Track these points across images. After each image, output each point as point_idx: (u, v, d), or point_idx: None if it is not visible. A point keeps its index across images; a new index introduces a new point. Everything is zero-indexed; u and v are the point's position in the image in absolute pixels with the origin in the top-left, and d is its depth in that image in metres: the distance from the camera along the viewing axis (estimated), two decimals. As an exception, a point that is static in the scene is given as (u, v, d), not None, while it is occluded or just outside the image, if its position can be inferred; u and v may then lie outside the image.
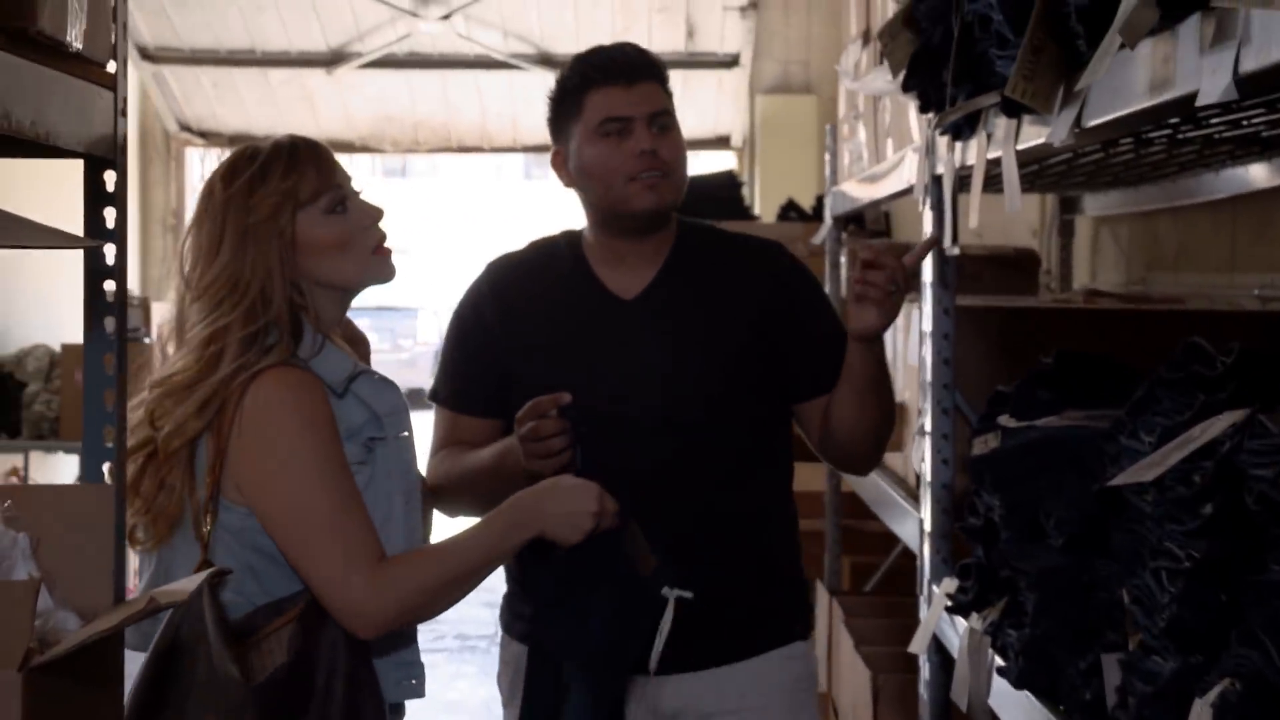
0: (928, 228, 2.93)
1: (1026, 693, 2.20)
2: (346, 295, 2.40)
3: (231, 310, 2.26)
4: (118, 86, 1.96)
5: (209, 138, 11.32)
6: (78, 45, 1.79)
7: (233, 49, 10.84)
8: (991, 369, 3.09)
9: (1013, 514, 2.32)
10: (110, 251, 1.98)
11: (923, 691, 3.02)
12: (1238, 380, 1.78)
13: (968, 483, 2.93)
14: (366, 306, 17.98)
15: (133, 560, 2.83)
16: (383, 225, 2.39)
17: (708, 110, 11.00)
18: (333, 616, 2.19)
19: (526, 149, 11.79)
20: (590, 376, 2.62)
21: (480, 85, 11.10)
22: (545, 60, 10.51)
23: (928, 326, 2.94)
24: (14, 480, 7.41)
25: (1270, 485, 1.55)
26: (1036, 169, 3.41)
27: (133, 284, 9.81)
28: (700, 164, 10.34)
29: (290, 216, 2.30)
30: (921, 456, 2.99)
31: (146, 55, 10.77)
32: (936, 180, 2.88)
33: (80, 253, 1.96)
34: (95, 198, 1.98)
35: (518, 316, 2.71)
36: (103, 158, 1.95)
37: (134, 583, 3.15)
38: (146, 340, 7.43)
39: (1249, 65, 1.36)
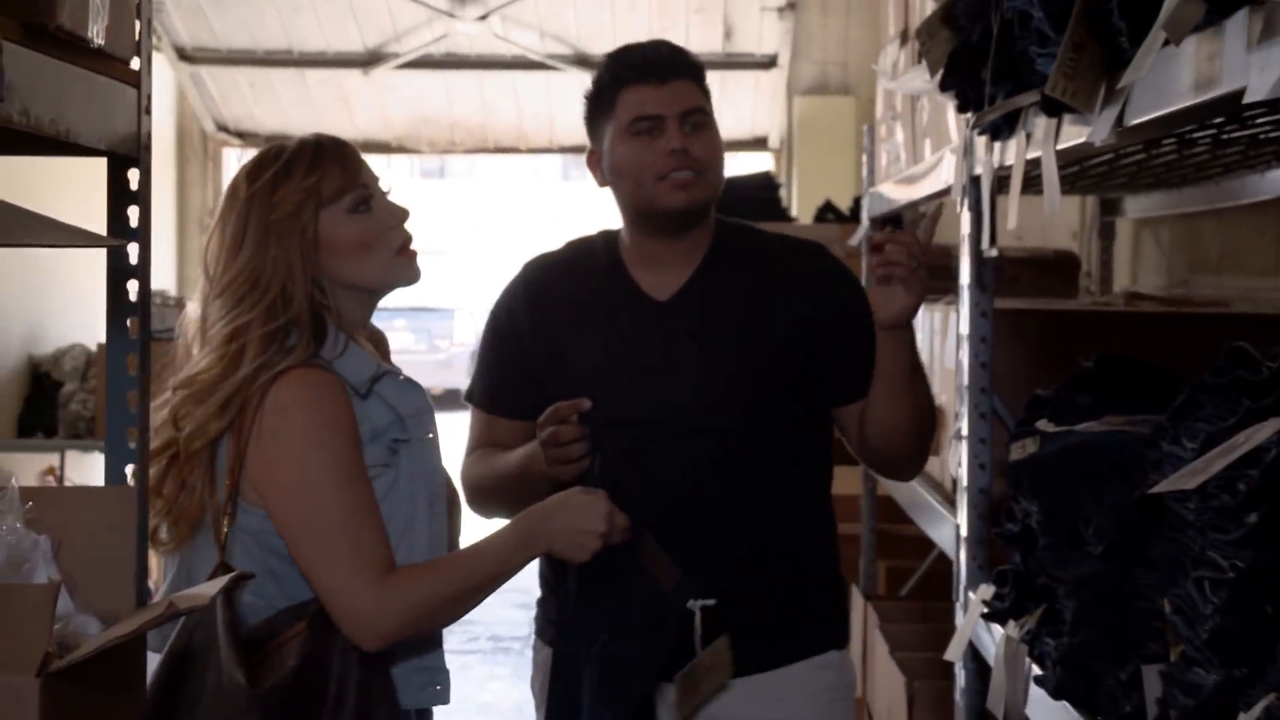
0: (966, 229, 2.89)
1: (1064, 703, 2.15)
2: (372, 296, 2.37)
3: (252, 308, 2.24)
4: (141, 83, 1.94)
5: (246, 138, 11.33)
6: (99, 41, 1.77)
7: (270, 49, 10.84)
8: (1029, 373, 3.05)
9: (1051, 520, 2.27)
10: (133, 251, 1.95)
11: (958, 699, 2.97)
12: (1284, 385, 1.73)
13: (1005, 488, 2.89)
14: (403, 307, 18.02)
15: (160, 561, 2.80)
16: (410, 226, 2.36)
17: (745, 111, 10.96)
18: (337, 625, 2.17)
19: (563, 150, 11.76)
20: (622, 379, 2.59)
21: (517, 86, 11.09)
22: (582, 61, 10.48)
23: (965, 329, 2.90)
24: (50, 479, 7.42)
25: (1318, 494, 1.51)
26: (1077, 170, 3.36)
27: (168, 284, 9.84)
28: (737, 165, 10.30)
29: (313, 214, 2.28)
30: (958, 461, 2.95)
31: (184, 56, 10.79)
32: (975, 181, 2.84)
33: (119, 252, 1.95)
34: (119, 196, 1.96)
35: (550, 318, 2.68)
36: (126, 156, 1.93)
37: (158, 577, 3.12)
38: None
39: (1299, 61, 1.31)
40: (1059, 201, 2.18)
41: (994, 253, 2.72)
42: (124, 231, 1.96)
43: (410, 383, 2.32)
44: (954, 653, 2.80)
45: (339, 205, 2.29)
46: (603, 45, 10.41)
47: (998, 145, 2.59)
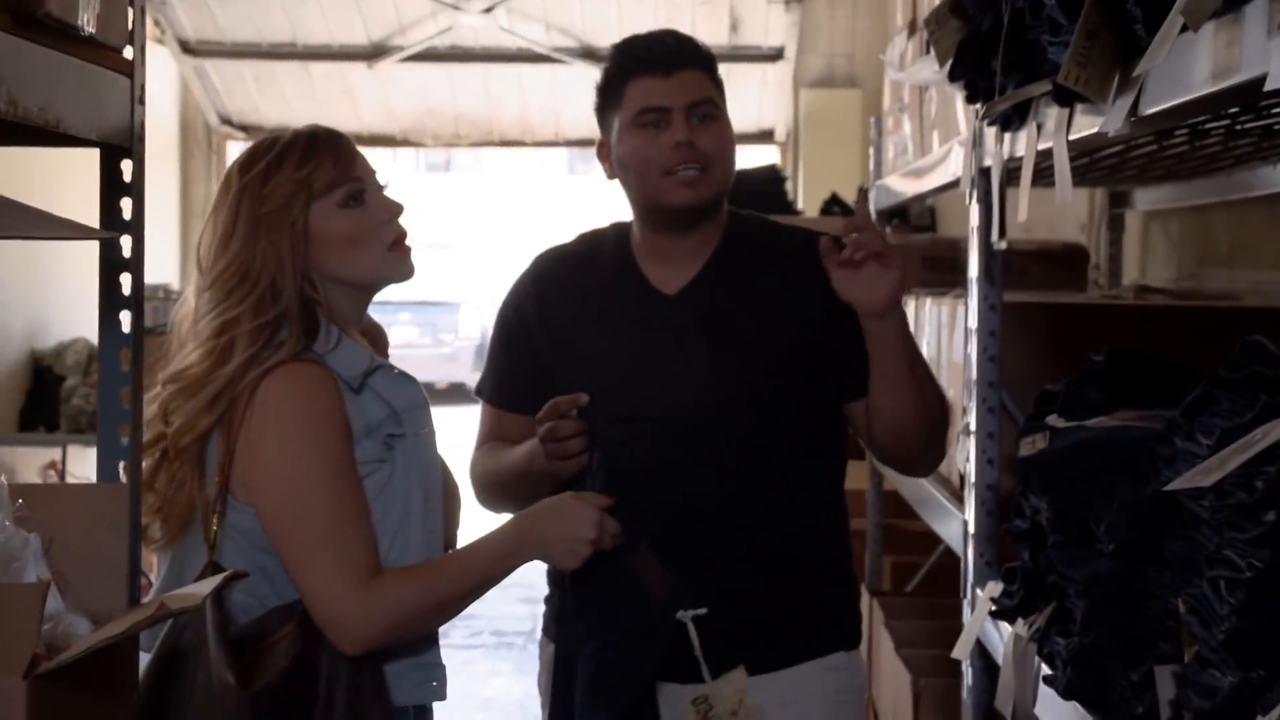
0: (975, 221, 2.85)
1: (1075, 704, 2.11)
2: (363, 292, 2.33)
3: (241, 301, 2.20)
4: (134, 73, 1.90)
5: (250, 131, 11.30)
6: (90, 29, 1.73)
7: (274, 42, 10.81)
8: (1038, 367, 3.01)
9: (1061, 517, 2.23)
10: (126, 244, 1.92)
11: (965, 697, 2.93)
12: (1301, 381, 1.70)
13: (1014, 484, 2.85)
14: (408, 301, 17.98)
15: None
16: (405, 221, 2.32)
17: (751, 104, 10.91)
18: (320, 628, 2.14)
19: (569, 143, 11.73)
20: (628, 374, 2.55)
21: (522, 79, 11.05)
22: (588, 54, 10.44)
23: (973, 323, 2.86)
24: (52, 474, 7.40)
25: (1338, 493, 1.47)
26: (1087, 162, 3.32)
27: (172, 278, 9.79)
28: (743, 158, 10.26)
29: (303, 207, 2.24)
30: (966, 456, 2.91)
31: (188, 49, 10.76)
32: (984, 173, 2.79)
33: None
34: (111, 188, 1.93)
35: (558, 312, 2.64)
36: (119, 146, 1.89)
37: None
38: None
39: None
40: (1070, 192, 2.14)
41: (1004, 245, 2.68)
42: (117, 224, 1.92)
43: (404, 376, 2.29)
44: (961, 651, 2.76)
45: (330, 199, 2.26)
46: (608, 38, 10.33)
47: (1008, 136, 2.55)
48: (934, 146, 3.65)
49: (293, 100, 11.23)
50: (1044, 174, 2.66)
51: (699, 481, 2.53)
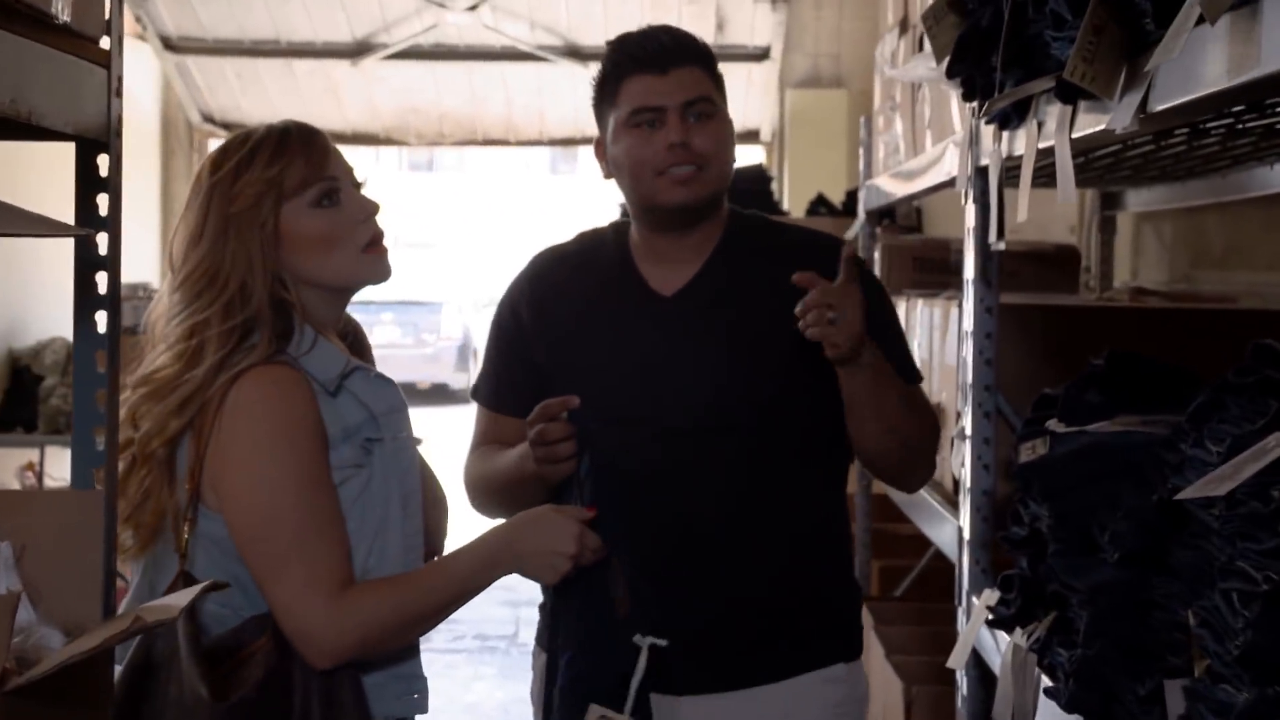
0: (971, 222, 2.80)
1: (1078, 717, 2.06)
2: (338, 294, 2.26)
3: (210, 304, 2.14)
4: (112, 64, 1.84)
5: (232, 129, 11.20)
6: (65, 17, 1.67)
7: (257, 39, 10.75)
8: (1033, 370, 2.96)
9: (1062, 525, 2.18)
10: (103, 241, 1.85)
11: (960, 707, 2.88)
12: (1316, 386, 1.64)
13: (1010, 490, 2.80)
14: (390, 301, 17.91)
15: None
16: (382, 221, 2.25)
17: (737, 104, 10.82)
18: (289, 641, 2.08)
19: (553, 142, 11.67)
20: (624, 377, 2.50)
21: (506, 77, 10.99)
22: (573, 52, 10.38)
23: (969, 325, 2.80)
24: (30, 475, 7.33)
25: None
26: (1082, 162, 3.27)
27: (152, 277, 9.71)
28: (729, 158, 10.21)
29: (273, 207, 2.17)
30: (961, 461, 2.86)
31: (169, 45, 10.69)
32: (981, 172, 2.74)
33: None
34: (87, 183, 1.86)
35: (554, 313, 2.58)
36: (95, 140, 1.83)
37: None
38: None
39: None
40: (1073, 192, 2.09)
41: (1002, 246, 2.62)
42: (93, 221, 1.85)
43: (382, 379, 2.22)
44: (957, 660, 2.70)
45: (303, 198, 2.19)
46: (594, 36, 10.33)
47: (1006, 135, 2.50)
48: (927, 146, 3.60)
49: (276, 98, 11.16)
50: (1038, 174, 2.62)
51: (696, 487, 2.48)
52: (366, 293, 2.33)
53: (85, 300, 1.85)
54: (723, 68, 2.61)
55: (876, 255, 4.96)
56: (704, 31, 10.14)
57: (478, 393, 2.68)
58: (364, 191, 2.26)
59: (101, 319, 1.85)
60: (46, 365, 7.40)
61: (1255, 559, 1.57)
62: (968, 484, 2.82)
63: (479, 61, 10.87)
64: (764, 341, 2.49)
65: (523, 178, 28.88)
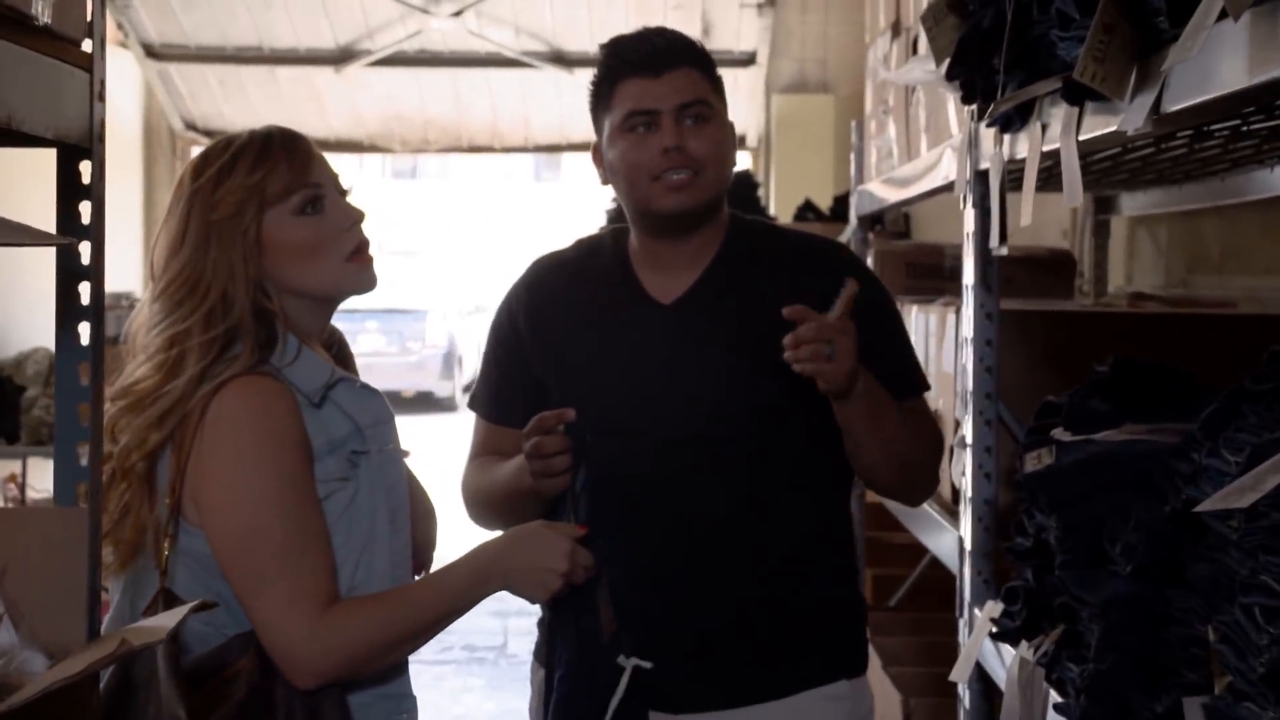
0: (970, 226, 2.75)
1: (1088, 733, 2.01)
2: (324, 303, 2.20)
3: (191, 313, 2.08)
4: (94, 68, 1.78)
5: (215, 137, 11.09)
6: (46, 19, 1.61)
7: (240, 46, 10.70)
8: (1033, 377, 2.92)
9: (1070, 536, 2.13)
10: (85, 250, 1.79)
11: (962, 721, 2.83)
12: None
13: (1012, 499, 2.75)
14: (374, 309, 17.83)
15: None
16: (368, 229, 2.19)
17: (722, 109, 10.82)
18: (271, 660, 2.02)
19: (538, 148, 11.63)
20: (622, 387, 2.44)
21: (491, 84, 10.95)
22: (558, 58, 10.34)
23: (969, 332, 2.75)
24: (12, 486, 7.25)
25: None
26: (1083, 163, 3.22)
27: (135, 286, 9.65)
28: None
29: (255, 215, 2.11)
30: (961, 470, 2.81)
31: (152, 53, 10.64)
32: (980, 176, 2.69)
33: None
34: (69, 191, 1.80)
35: (551, 321, 2.53)
36: (77, 146, 1.77)
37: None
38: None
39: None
40: (1080, 195, 2.04)
41: (1004, 251, 2.57)
42: (75, 229, 1.80)
43: (368, 390, 2.17)
44: (960, 673, 2.65)
45: (286, 205, 2.13)
46: (579, 42, 10.29)
47: (1007, 138, 2.45)
48: (922, 150, 3.55)
49: (258, 105, 11.10)
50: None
51: (695, 499, 2.42)
52: (350, 300, 2.27)
53: (68, 311, 1.80)
54: (709, 73, 2.54)
55: (870, 261, 4.92)
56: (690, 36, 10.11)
57: (475, 402, 2.63)
58: (349, 199, 2.21)
59: (84, 330, 1.80)
60: (28, 376, 7.32)
61: (1278, 573, 1.52)
62: (969, 493, 2.77)
63: (463, 68, 10.84)
64: (765, 351, 2.42)
65: (506, 185, 28.83)
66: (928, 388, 2.59)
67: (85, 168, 1.80)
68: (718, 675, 2.41)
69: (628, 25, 9.37)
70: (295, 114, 10.93)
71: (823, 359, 2.27)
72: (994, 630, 2.46)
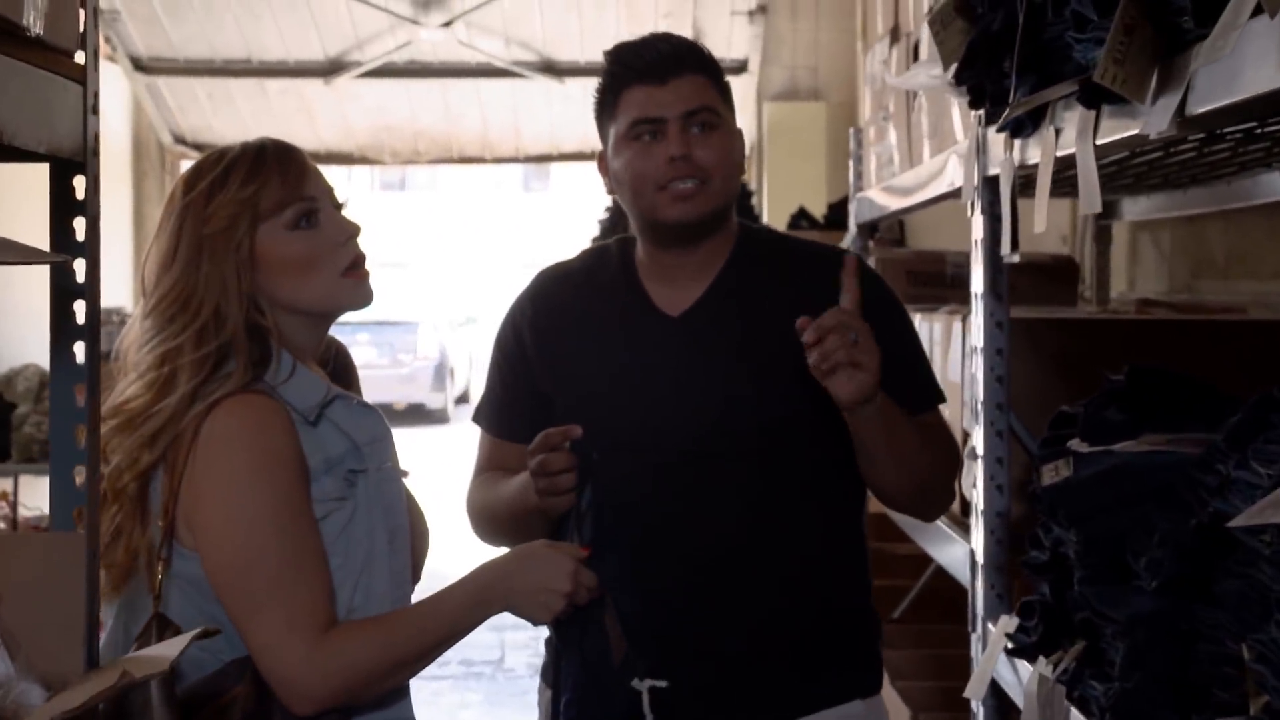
0: (979, 233, 2.70)
1: (1113, 753, 1.96)
2: (319, 319, 2.15)
3: (182, 330, 2.03)
4: (88, 79, 1.73)
5: (204, 150, 11.05)
6: (38, 30, 1.56)
7: (229, 59, 10.65)
8: (1043, 386, 2.87)
9: (1091, 551, 2.08)
10: (80, 268, 1.74)
11: (975, 737, 2.78)
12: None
13: (1024, 511, 2.71)
14: (365, 321, 17.78)
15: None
16: (363, 243, 2.14)
17: (714, 118, 10.78)
18: (270, 686, 1.97)
19: (529, 159, 11.58)
20: (629, 401, 2.39)
21: (482, 94, 10.90)
22: (548, 68, 10.30)
23: (979, 341, 2.71)
24: (3, 504, 7.19)
25: None
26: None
27: (125, 301, 9.59)
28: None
29: (248, 229, 2.06)
30: (972, 481, 2.76)
31: (140, 66, 10.58)
32: (989, 182, 2.65)
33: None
34: (63, 206, 1.75)
35: (556, 334, 2.47)
36: (71, 160, 1.72)
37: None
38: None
39: None
40: (1099, 200, 2.00)
41: (1015, 258, 2.52)
42: (69, 246, 1.75)
43: (365, 407, 2.12)
44: (974, 690, 2.61)
45: (279, 219, 2.08)
46: (570, 52, 10.26)
47: (1017, 143, 2.41)
48: (925, 157, 3.50)
49: (248, 118, 11.05)
50: (1031, 185, 2.53)
51: (704, 516, 2.36)
52: (342, 313, 2.22)
53: (62, 330, 1.75)
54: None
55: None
56: (681, 45, 10.07)
57: (479, 417, 2.57)
58: (345, 212, 2.16)
59: (80, 350, 1.74)
60: (19, 393, 7.27)
61: (1317, 589, 1.48)
62: (980, 506, 2.72)
63: (454, 78, 10.79)
64: (776, 363, 2.37)
65: (495, 196, 28.78)
66: (943, 400, 2.54)
67: (79, 182, 1.75)
68: (729, 697, 2.36)
69: (618, 34, 9.37)
70: (285, 126, 10.87)
71: (849, 346, 2.20)
72: (1009, 646, 2.42)
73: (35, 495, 7.43)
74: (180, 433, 2.00)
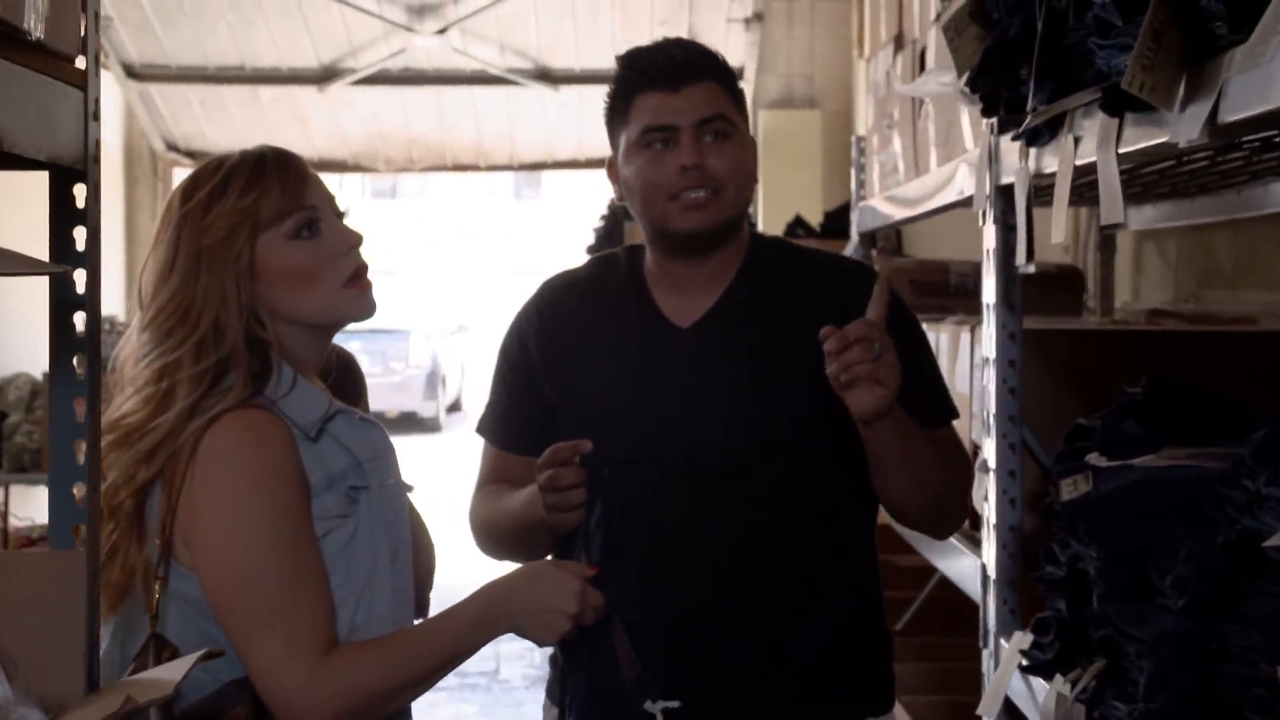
0: (991, 243, 2.66)
1: (1137, 774, 1.92)
2: (320, 331, 2.11)
3: (181, 344, 1.99)
4: (89, 86, 1.68)
5: (197, 157, 11.06)
6: (38, 34, 1.51)
7: (222, 66, 10.61)
8: (1054, 398, 2.83)
9: (1113, 568, 2.04)
10: (80, 278, 1.69)
11: (989, 756, 2.73)
12: None
13: (1035, 525, 2.66)
14: (357, 329, 17.72)
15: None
16: (364, 252, 2.10)
17: (709, 126, 10.75)
18: (267, 708, 1.93)
19: (523, 166, 11.52)
20: (638, 414, 2.33)
21: (476, 101, 10.86)
22: (543, 75, 10.26)
23: (991, 352, 2.66)
24: (-5, 515, 7.14)
25: None
26: (1093, 179, 3.13)
27: (118, 310, 9.54)
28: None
29: (248, 240, 2.02)
30: (984, 495, 2.71)
31: (132, 73, 10.54)
32: (1002, 191, 2.60)
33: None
34: (62, 216, 1.70)
35: (563, 344, 2.42)
36: (71, 168, 1.67)
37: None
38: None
39: None
40: (1121, 211, 1.95)
41: (1031, 269, 2.48)
42: (69, 256, 1.70)
43: (367, 422, 2.08)
44: (988, 708, 2.56)
45: (280, 229, 2.03)
46: (565, 59, 10.22)
47: (1033, 151, 2.37)
48: (932, 165, 3.46)
49: (241, 125, 11.00)
50: (1043, 193, 2.48)
51: (713, 532, 2.31)
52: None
53: (62, 342, 1.70)
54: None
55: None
56: (676, 52, 10.04)
57: (483, 428, 2.52)
58: (346, 221, 2.11)
59: (80, 362, 1.70)
60: (10, 402, 7.23)
61: (1357, 611, 1.43)
62: (992, 520, 2.68)
63: (448, 86, 10.75)
64: (788, 375, 2.32)
65: (487, 203, 28.75)
66: (957, 416, 2.49)
67: (80, 191, 1.70)
68: (740, 716, 2.31)
69: (614, 41, 9.35)
70: (278, 134, 10.82)
71: (872, 360, 2.15)
72: (1024, 663, 2.37)
73: (26, 505, 7.37)
74: (178, 448, 1.95)
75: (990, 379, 2.68)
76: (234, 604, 1.94)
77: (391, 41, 10.36)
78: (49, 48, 1.57)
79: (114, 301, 10.02)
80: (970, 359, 3.11)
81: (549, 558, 2.16)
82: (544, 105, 10.37)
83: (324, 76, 10.64)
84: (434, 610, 2.24)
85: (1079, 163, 2.12)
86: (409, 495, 2.18)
